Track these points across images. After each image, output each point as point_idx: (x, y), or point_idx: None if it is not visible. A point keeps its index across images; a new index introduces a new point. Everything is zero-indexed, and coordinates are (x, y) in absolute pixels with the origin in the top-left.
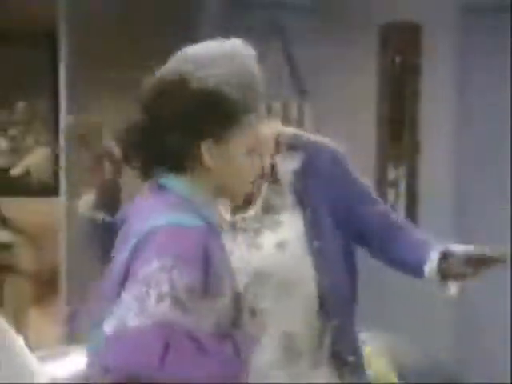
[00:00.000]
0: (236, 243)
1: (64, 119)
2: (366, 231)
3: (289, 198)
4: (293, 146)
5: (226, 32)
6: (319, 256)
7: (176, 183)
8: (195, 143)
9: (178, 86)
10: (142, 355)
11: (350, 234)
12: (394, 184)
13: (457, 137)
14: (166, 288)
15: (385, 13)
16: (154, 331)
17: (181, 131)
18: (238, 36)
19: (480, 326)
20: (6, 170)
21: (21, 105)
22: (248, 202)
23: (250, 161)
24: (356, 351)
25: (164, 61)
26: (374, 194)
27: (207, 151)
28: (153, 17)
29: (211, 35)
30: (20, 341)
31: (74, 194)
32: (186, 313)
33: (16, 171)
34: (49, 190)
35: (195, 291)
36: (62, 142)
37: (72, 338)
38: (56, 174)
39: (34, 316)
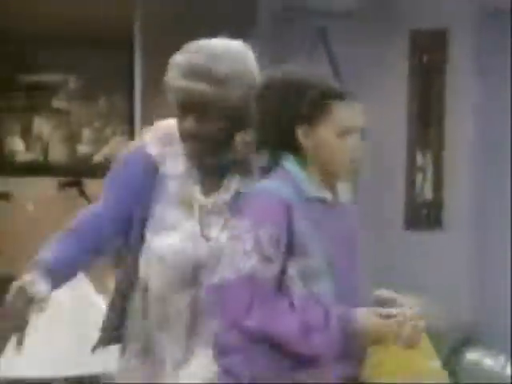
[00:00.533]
0: (210, 225)
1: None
2: None
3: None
4: None
5: (279, 36)
6: None
7: (286, 161)
8: (294, 128)
9: (278, 80)
10: (232, 305)
11: None
12: (422, 169)
13: (478, 128)
14: (252, 245)
15: (415, 18)
16: (242, 284)
17: (281, 118)
18: (289, 40)
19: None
20: (90, 157)
21: (102, 100)
22: (218, 187)
23: (342, 143)
24: None
25: None
26: None
27: (302, 135)
28: (215, 21)
29: (265, 38)
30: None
31: None
32: (271, 268)
33: (97, 158)
34: None
35: (279, 249)
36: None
37: None
38: None
39: None
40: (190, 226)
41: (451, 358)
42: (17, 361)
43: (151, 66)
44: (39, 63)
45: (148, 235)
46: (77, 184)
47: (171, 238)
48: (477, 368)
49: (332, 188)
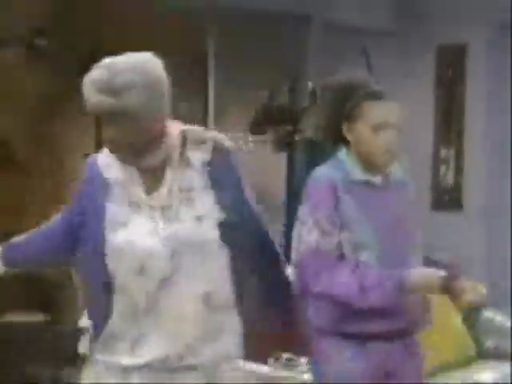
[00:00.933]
0: (150, 218)
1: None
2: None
3: (200, 181)
4: (202, 140)
5: (324, 53)
6: (225, 229)
7: (339, 152)
8: (341, 125)
9: (331, 84)
10: (305, 273)
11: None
12: (446, 161)
13: (491, 128)
14: (312, 224)
15: (440, 35)
16: (310, 255)
17: (333, 116)
18: (334, 57)
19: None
20: None
21: (183, 105)
22: (159, 183)
23: (377, 136)
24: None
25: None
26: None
27: (345, 131)
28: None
29: (317, 52)
30: None
31: None
32: (330, 240)
33: None
34: None
35: (334, 225)
36: None
37: None
38: None
39: None
40: (140, 222)
41: (471, 315)
42: None
43: (223, 77)
44: None
45: (106, 234)
46: None
47: (125, 233)
48: (491, 323)
49: (381, 173)
